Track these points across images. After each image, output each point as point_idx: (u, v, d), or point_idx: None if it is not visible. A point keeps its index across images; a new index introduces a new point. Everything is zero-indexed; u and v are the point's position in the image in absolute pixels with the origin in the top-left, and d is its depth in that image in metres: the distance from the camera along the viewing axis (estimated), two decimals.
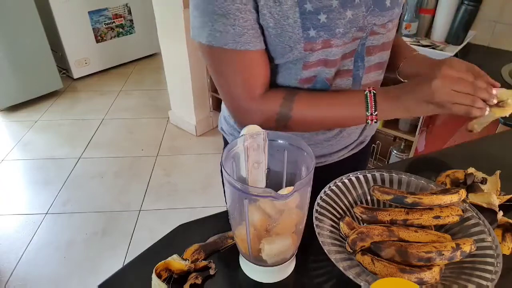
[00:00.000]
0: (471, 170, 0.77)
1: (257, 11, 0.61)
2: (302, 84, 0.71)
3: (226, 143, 0.95)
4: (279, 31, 0.63)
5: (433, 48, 1.66)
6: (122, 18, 3.50)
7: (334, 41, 0.65)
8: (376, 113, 0.66)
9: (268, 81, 0.70)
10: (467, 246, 0.56)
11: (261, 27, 0.63)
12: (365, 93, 0.66)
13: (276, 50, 0.66)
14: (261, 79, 0.68)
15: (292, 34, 0.63)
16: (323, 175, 0.70)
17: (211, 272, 0.61)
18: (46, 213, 2.07)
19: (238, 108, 0.71)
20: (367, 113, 0.66)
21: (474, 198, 0.71)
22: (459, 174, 0.77)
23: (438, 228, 0.65)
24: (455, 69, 0.61)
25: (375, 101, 0.66)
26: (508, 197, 0.73)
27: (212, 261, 0.63)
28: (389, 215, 0.63)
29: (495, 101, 0.62)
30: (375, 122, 0.68)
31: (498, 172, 0.77)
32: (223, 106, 0.91)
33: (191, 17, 0.65)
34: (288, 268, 0.63)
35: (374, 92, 0.66)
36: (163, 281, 0.58)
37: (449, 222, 0.63)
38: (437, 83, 0.60)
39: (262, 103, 0.69)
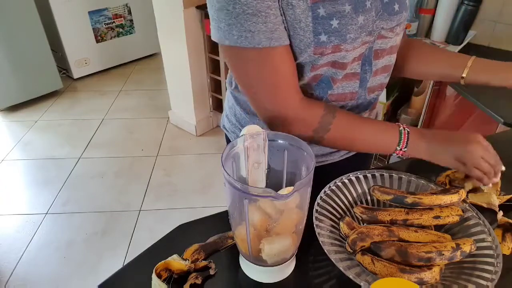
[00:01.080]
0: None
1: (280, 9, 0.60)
2: (308, 82, 0.71)
3: (228, 141, 0.95)
4: (291, 33, 0.62)
5: None
6: (122, 18, 3.50)
7: (344, 46, 0.64)
8: (405, 149, 0.70)
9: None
10: (467, 246, 0.56)
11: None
12: (400, 129, 0.70)
13: None
14: (296, 77, 0.67)
15: (303, 38, 0.62)
16: (324, 175, 0.70)
17: (211, 272, 0.61)
18: (46, 213, 2.07)
19: (280, 113, 0.67)
20: (397, 147, 0.70)
21: (474, 198, 0.71)
22: (459, 174, 0.77)
23: (438, 228, 0.65)
24: (485, 154, 0.67)
25: (408, 139, 0.69)
26: (508, 197, 0.73)
27: (212, 261, 0.63)
28: (389, 215, 0.63)
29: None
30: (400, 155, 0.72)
31: None
32: (225, 104, 0.91)
33: (212, 20, 0.63)
34: (288, 268, 0.63)
35: (408, 131, 0.70)
36: (163, 281, 0.58)
37: (449, 222, 0.63)
38: (472, 149, 0.67)
39: (303, 110, 0.67)
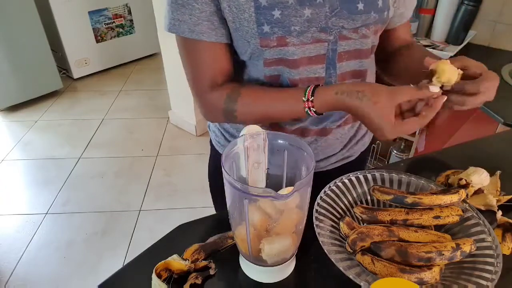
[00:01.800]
0: (471, 170, 0.77)
1: (217, 4, 0.63)
2: (269, 81, 0.71)
3: (211, 142, 0.95)
4: (237, 25, 0.64)
5: (433, 48, 1.66)
6: (122, 18, 3.50)
7: (290, 39, 0.64)
8: (312, 98, 0.63)
9: (226, 73, 0.71)
10: (467, 246, 0.56)
11: (220, 20, 0.65)
12: (306, 110, 0.64)
13: (238, 45, 0.68)
14: (217, 69, 0.70)
15: (248, 29, 0.64)
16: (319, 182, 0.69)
17: (211, 272, 0.61)
18: (46, 213, 2.08)
19: (196, 98, 0.73)
20: (303, 98, 0.63)
21: (470, 201, 0.71)
22: (458, 175, 0.77)
23: (438, 228, 0.65)
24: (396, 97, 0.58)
25: (313, 89, 0.63)
26: (508, 197, 0.73)
27: (212, 261, 0.63)
28: (389, 215, 0.63)
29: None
30: (316, 113, 0.64)
31: (498, 172, 0.77)
32: None
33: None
34: (288, 268, 0.63)
35: (314, 110, 0.64)
36: (163, 281, 0.58)
37: (449, 222, 0.63)
38: (384, 135, 0.60)
39: (211, 97, 0.71)
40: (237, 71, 0.75)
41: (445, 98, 0.61)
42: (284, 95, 0.67)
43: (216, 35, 0.66)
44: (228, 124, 0.84)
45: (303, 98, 0.64)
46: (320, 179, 0.71)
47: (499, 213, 0.69)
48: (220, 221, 0.71)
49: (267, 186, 0.64)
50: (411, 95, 0.59)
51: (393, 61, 0.82)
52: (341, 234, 0.64)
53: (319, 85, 0.64)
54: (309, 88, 0.64)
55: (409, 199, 0.63)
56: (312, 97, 0.63)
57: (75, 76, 3.41)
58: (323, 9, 0.63)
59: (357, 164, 0.90)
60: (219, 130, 0.88)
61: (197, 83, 0.71)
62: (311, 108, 0.64)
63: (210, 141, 0.95)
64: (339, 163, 0.86)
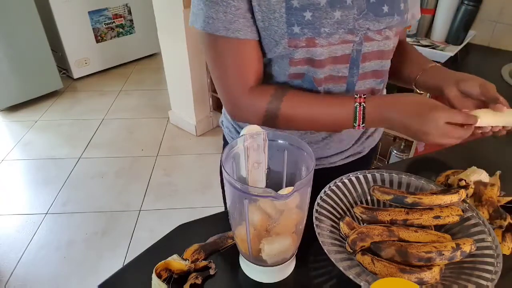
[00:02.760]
0: (471, 170, 0.77)
1: (250, 1, 0.62)
2: (292, 79, 0.71)
3: (224, 138, 0.95)
4: (266, 24, 0.64)
5: (433, 48, 1.66)
6: (122, 18, 3.50)
7: (319, 40, 0.64)
8: (364, 125, 0.66)
9: (260, 72, 0.70)
10: (467, 246, 0.56)
11: (253, 18, 0.64)
12: (355, 105, 0.65)
13: (264, 44, 0.67)
14: (253, 68, 0.68)
15: (277, 29, 0.63)
16: (318, 179, 0.70)
17: (211, 272, 0.61)
18: (46, 213, 2.07)
19: (229, 101, 0.71)
20: (354, 124, 0.66)
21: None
22: (458, 175, 0.76)
23: (438, 228, 0.65)
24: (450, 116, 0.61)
25: (363, 114, 0.65)
26: (508, 198, 0.73)
27: (212, 261, 0.63)
28: (389, 215, 0.63)
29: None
30: (363, 115, 0.66)
31: (498, 172, 0.77)
32: None
33: (191, 4, 0.67)
34: (288, 268, 0.63)
35: (364, 105, 0.65)
36: (163, 281, 0.58)
37: (449, 222, 0.63)
38: (429, 130, 0.61)
39: (251, 98, 0.69)
40: None
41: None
42: (333, 98, 0.68)
43: (252, 32, 0.65)
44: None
45: (354, 124, 0.66)
46: (331, 174, 0.73)
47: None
48: (220, 221, 0.71)
49: (267, 186, 0.64)
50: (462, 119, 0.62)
51: None
52: (341, 234, 0.64)
53: (364, 106, 0.66)
54: (357, 111, 0.65)
55: (409, 199, 0.63)
56: (364, 125, 0.66)
57: (75, 76, 3.41)
58: (351, 11, 0.64)
59: (366, 160, 0.92)
60: (233, 126, 0.88)
61: (235, 83, 0.69)
62: (362, 104, 0.64)
63: (223, 137, 0.95)
64: (350, 158, 0.87)
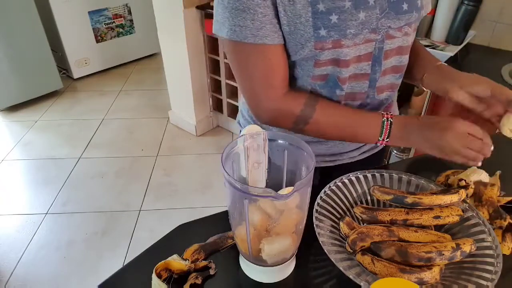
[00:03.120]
0: (471, 170, 0.77)
1: (275, 7, 0.63)
2: (315, 81, 0.72)
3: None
4: (292, 28, 0.64)
5: (433, 48, 1.66)
6: (122, 18, 3.50)
7: (345, 41, 0.65)
8: (387, 140, 0.70)
9: (287, 76, 0.71)
10: (467, 246, 0.56)
11: (279, 23, 0.64)
12: (383, 120, 0.70)
13: (289, 47, 0.68)
14: (281, 72, 0.69)
15: (304, 33, 0.64)
16: (334, 175, 0.72)
17: (211, 272, 0.61)
18: (46, 213, 2.07)
19: (258, 106, 0.72)
20: (379, 138, 0.71)
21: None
22: (458, 175, 0.76)
23: (438, 228, 0.65)
24: (471, 128, 0.64)
25: (390, 130, 0.69)
26: (508, 198, 0.73)
27: (212, 261, 0.63)
28: (389, 215, 0.63)
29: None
30: (390, 128, 0.71)
31: (498, 172, 0.77)
32: (241, 99, 0.92)
33: (215, 13, 0.67)
34: (288, 268, 0.63)
35: (391, 121, 0.70)
36: (163, 281, 0.58)
37: (449, 222, 0.63)
38: (448, 138, 0.64)
39: (283, 103, 0.70)
40: None
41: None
42: (362, 111, 0.73)
43: (278, 37, 0.66)
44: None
45: (379, 138, 0.70)
46: (350, 170, 0.75)
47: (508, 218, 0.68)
48: (220, 221, 0.71)
49: (267, 186, 0.64)
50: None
51: None
52: (341, 234, 0.64)
53: (391, 121, 0.70)
54: (384, 127, 0.70)
55: (409, 199, 0.63)
56: (388, 140, 0.70)
57: (75, 76, 3.41)
58: (374, 11, 0.65)
59: (381, 154, 0.96)
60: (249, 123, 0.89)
61: (263, 88, 0.70)
62: (390, 119, 0.69)
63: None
64: (368, 153, 0.90)
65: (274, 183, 0.64)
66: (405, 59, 0.76)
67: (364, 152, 0.89)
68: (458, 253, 0.56)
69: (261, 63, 0.67)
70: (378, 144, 0.72)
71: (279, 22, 0.64)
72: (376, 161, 0.96)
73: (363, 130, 0.71)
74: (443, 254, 0.55)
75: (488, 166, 0.76)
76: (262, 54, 0.66)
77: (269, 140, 0.60)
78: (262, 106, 0.72)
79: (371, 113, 0.72)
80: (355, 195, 0.71)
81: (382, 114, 0.70)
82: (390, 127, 0.69)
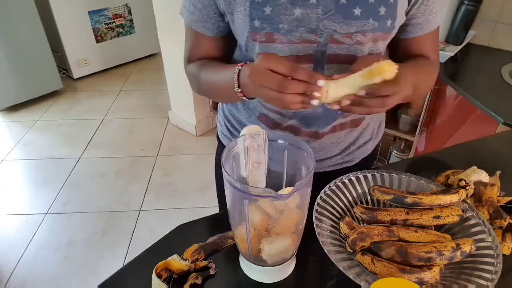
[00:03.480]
0: (471, 170, 0.77)
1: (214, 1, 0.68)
2: None
3: (220, 142, 0.97)
4: (234, 17, 0.68)
5: None
6: (122, 18, 3.50)
7: (278, 36, 0.65)
8: (240, 91, 0.64)
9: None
10: (467, 246, 0.56)
11: (221, 16, 0.70)
12: (235, 68, 0.64)
13: (236, 36, 0.72)
14: (197, 55, 0.78)
15: (242, 22, 0.66)
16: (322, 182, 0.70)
17: (211, 272, 0.61)
18: (46, 213, 2.07)
19: (184, 66, 0.82)
20: (235, 89, 0.64)
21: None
22: (458, 175, 0.76)
23: (438, 228, 0.65)
24: (272, 62, 0.56)
25: (238, 77, 0.63)
26: (508, 198, 0.73)
27: (212, 261, 0.63)
28: (389, 215, 0.63)
29: (325, 96, 0.57)
30: (249, 98, 0.65)
31: (498, 172, 0.77)
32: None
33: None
34: (288, 268, 0.63)
35: (240, 69, 0.63)
36: (163, 281, 0.58)
37: (449, 222, 0.63)
38: (249, 76, 0.59)
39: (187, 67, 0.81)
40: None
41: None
42: (228, 65, 0.73)
43: (204, 28, 0.73)
44: (230, 114, 0.90)
45: (236, 90, 0.64)
46: (320, 179, 0.71)
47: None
48: (220, 221, 0.71)
49: (267, 186, 0.64)
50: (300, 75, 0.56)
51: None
52: (341, 234, 0.64)
53: (240, 68, 0.64)
54: (235, 74, 0.63)
55: (409, 199, 0.63)
56: (240, 90, 0.64)
57: (75, 76, 3.41)
58: (315, 10, 0.63)
59: (359, 169, 0.89)
60: (223, 119, 0.91)
61: (185, 59, 0.81)
62: (239, 67, 0.63)
63: (217, 135, 0.98)
64: (338, 167, 0.86)
65: (274, 183, 0.64)
66: None
67: (335, 165, 0.85)
68: (458, 253, 0.56)
69: (188, 41, 0.79)
70: (245, 99, 0.65)
71: (210, 14, 0.70)
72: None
73: (224, 81, 0.67)
74: (443, 254, 0.55)
75: (488, 166, 0.76)
76: (190, 34, 0.77)
77: (269, 140, 0.60)
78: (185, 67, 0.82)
79: (233, 65, 0.66)
80: (355, 195, 0.71)
81: (241, 64, 0.64)
82: (239, 75, 0.63)
